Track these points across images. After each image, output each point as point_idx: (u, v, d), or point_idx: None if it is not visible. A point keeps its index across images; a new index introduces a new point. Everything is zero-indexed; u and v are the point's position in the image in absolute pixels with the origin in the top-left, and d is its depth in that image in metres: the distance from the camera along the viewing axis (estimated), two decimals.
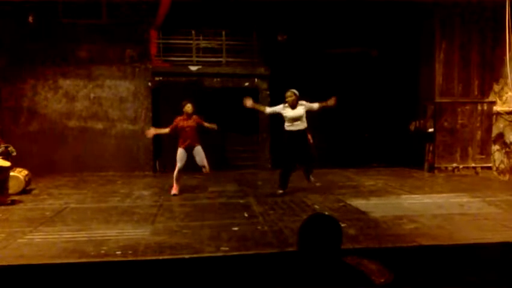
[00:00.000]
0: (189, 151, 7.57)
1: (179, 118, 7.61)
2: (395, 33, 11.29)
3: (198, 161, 7.62)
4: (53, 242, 4.84)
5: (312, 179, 7.58)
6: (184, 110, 7.57)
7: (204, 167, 7.62)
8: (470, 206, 6.58)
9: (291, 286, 2.02)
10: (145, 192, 7.99)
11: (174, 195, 7.57)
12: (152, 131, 8.04)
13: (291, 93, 7.30)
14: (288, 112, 7.27)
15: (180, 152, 7.55)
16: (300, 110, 7.25)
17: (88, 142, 10.47)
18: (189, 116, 7.59)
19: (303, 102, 7.32)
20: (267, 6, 10.30)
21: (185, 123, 7.53)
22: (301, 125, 7.27)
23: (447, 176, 9.83)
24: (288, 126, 7.29)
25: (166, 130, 7.70)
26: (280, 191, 7.41)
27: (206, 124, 7.70)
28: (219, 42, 11.03)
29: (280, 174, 7.52)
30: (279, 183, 7.50)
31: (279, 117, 7.55)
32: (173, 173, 7.69)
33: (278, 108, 7.43)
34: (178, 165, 7.56)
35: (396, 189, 8.10)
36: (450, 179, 9.42)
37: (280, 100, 11.03)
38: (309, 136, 7.41)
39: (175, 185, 7.67)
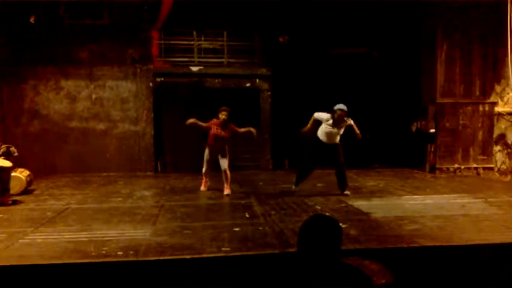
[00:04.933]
0: (215, 152, 7.69)
1: (215, 121, 7.59)
2: (396, 34, 11.28)
3: (221, 165, 7.72)
4: (55, 242, 4.84)
5: (346, 192, 7.39)
6: (220, 116, 7.51)
7: (226, 171, 7.66)
8: (471, 207, 6.56)
9: (291, 287, 2.02)
10: (147, 193, 7.99)
11: (203, 190, 7.81)
12: (192, 120, 7.76)
13: (341, 111, 7.09)
14: (329, 128, 7.20)
15: (206, 154, 7.74)
16: (341, 131, 7.24)
17: (89, 143, 10.49)
18: (225, 124, 7.54)
19: (350, 121, 7.24)
20: (268, 7, 10.31)
21: (219, 132, 7.55)
22: (336, 139, 7.30)
23: (448, 176, 9.82)
24: (321, 136, 7.27)
25: (203, 125, 7.65)
26: (294, 188, 7.56)
27: (242, 130, 7.68)
28: (221, 43, 11.04)
29: (298, 172, 7.64)
30: (295, 181, 7.62)
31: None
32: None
33: (323, 117, 7.23)
34: (205, 164, 7.78)
35: (397, 190, 8.09)
36: (451, 179, 9.41)
37: (281, 100, 11.12)
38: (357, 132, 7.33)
39: (204, 180, 7.92)
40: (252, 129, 7.71)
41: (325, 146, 7.29)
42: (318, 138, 7.34)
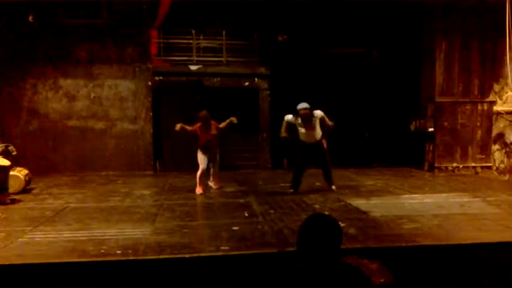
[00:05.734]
0: (208, 154, 7.74)
1: (199, 125, 7.63)
2: (395, 34, 11.29)
3: (210, 165, 7.82)
4: (53, 241, 4.84)
5: (333, 187, 7.57)
6: (201, 118, 7.61)
7: (214, 173, 7.85)
8: (470, 205, 6.57)
9: (290, 286, 2.02)
10: (145, 192, 7.99)
11: (201, 194, 7.66)
12: (179, 125, 7.78)
13: (304, 110, 7.13)
14: (302, 129, 7.25)
15: (200, 155, 7.75)
16: (314, 127, 7.23)
17: (88, 141, 10.48)
18: (207, 126, 7.60)
19: (317, 113, 7.21)
20: (268, 6, 10.30)
21: (206, 135, 7.62)
22: (315, 137, 7.29)
23: (447, 175, 9.83)
24: (301, 137, 7.31)
25: (189, 129, 7.69)
26: (291, 191, 7.53)
27: (223, 125, 7.72)
28: (220, 42, 11.03)
29: (292, 175, 7.65)
30: (291, 183, 7.63)
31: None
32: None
33: (291, 119, 7.27)
34: (202, 166, 7.74)
35: (396, 188, 8.10)
36: (450, 178, 9.42)
37: (280, 99, 11.11)
38: (324, 141, 7.43)
39: (198, 185, 7.76)
40: (231, 118, 7.71)
41: (309, 146, 7.32)
42: (300, 139, 7.38)
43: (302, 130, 7.26)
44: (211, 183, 8.04)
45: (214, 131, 7.68)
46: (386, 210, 6.26)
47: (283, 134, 7.35)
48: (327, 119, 7.34)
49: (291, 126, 7.34)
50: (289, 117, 7.31)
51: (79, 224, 5.64)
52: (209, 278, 3.98)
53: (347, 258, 3.14)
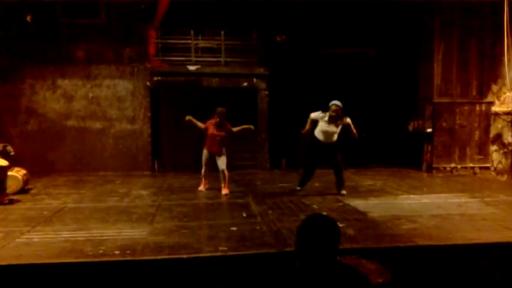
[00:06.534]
0: (213, 155, 7.69)
1: (211, 121, 7.60)
2: (394, 34, 11.30)
3: (218, 165, 7.71)
4: (51, 241, 4.83)
5: (343, 192, 7.44)
6: (218, 114, 7.53)
7: (223, 172, 7.67)
8: (468, 206, 6.59)
9: (289, 286, 2.02)
10: (144, 192, 7.97)
11: (201, 190, 7.83)
12: (189, 117, 7.77)
13: (336, 107, 7.13)
14: (325, 125, 7.23)
15: (205, 154, 7.72)
16: (338, 129, 7.24)
17: (86, 142, 10.46)
18: (221, 124, 7.55)
19: (347, 119, 7.26)
20: (266, 7, 10.30)
21: (216, 132, 7.55)
22: (333, 137, 7.29)
23: (445, 176, 9.85)
24: (318, 134, 7.30)
25: (200, 125, 7.71)
26: (298, 188, 7.58)
27: (237, 129, 7.69)
28: (218, 42, 11.02)
29: (302, 174, 7.68)
30: (299, 181, 7.66)
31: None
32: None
33: (319, 115, 7.26)
34: (202, 163, 7.79)
35: (394, 189, 8.11)
36: (448, 179, 9.44)
37: (278, 100, 11.13)
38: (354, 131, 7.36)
39: (203, 181, 7.93)
40: (246, 126, 7.79)
41: (322, 146, 7.30)
42: (315, 137, 7.35)
43: (325, 127, 7.22)
44: (223, 191, 7.73)
45: (223, 132, 7.57)
46: (384, 210, 6.27)
47: (308, 127, 7.31)
48: (353, 127, 7.35)
49: (315, 123, 7.32)
50: (314, 114, 7.30)
51: (77, 224, 5.63)
52: (208, 279, 3.97)
53: (345, 259, 3.14)
